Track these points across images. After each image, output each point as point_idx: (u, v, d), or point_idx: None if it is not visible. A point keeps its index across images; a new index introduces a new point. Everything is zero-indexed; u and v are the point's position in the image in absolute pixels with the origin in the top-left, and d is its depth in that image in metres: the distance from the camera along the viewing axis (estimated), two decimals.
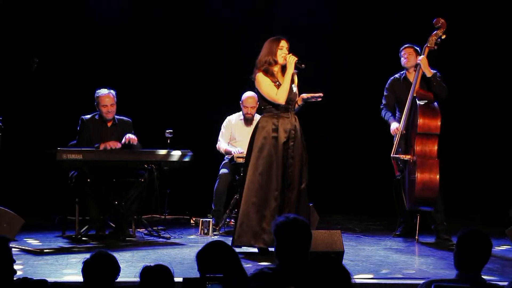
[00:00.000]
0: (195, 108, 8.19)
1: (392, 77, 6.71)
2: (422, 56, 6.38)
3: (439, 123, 6.19)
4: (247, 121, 7.24)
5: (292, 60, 5.62)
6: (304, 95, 5.77)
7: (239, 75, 7.95)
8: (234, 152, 6.97)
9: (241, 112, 7.26)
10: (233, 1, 8.19)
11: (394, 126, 6.51)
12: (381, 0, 8.26)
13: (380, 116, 6.75)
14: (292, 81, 5.70)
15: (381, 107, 6.75)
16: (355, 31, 8.29)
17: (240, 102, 7.19)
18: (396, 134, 6.44)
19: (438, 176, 6.13)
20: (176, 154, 6.45)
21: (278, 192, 5.51)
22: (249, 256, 5.49)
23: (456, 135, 7.74)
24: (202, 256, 3.12)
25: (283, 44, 5.67)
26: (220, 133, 7.31)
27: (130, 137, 6.48)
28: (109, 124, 6.64)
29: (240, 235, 5.54)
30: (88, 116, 6.63)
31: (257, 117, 7.25)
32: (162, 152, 6.43)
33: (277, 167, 5.54)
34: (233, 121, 7.30)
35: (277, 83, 5.63)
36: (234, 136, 7.26)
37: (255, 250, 5.59)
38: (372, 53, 8.23)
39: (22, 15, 7.72)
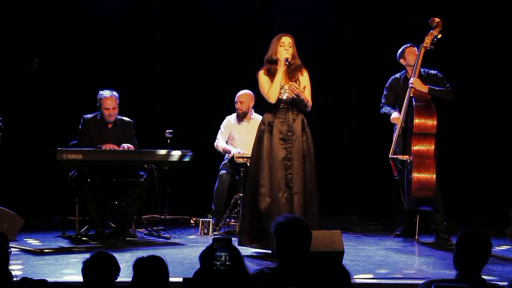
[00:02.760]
0: (195, 108, 8.19)
1: (393, 76, 6.72)
2: (413, 78, 6.33)
3: (435, 123, 6.19)
4: (238, 117, 7.27)
5: (282, 57, 5.53)
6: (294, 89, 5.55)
7: (239, 75, 7.97)
8: (233, 153, 6.96)
9: None
10: (233, 1, 8.19)
11: (395, 115, 6.51)
12: (381, 0, 8.26)
13: (379, 116, 6.75)
14: (295, 81, 5.58)
15: (380, 105, 6.75)
16: (355, 31, 8.29)
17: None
18: (394, 134, 6.44)
19: (435, 176, 6.13)
20: (176, 154, 6.45)
21: (273, 195, 5.42)
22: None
23: (456, 134, 7.75)
24: (205, 256, 3.12)
25: (284, 40, 5.58)
26: (219, 131, 7.32)
27: (129, 146, 6.49)
28: (110, 125, 6.63)
29: (241, 235, 5.63)
30: (90, 116, 6.62)
31: (255, 116, 7.28)
32: (162, 152, 6.43)
33: (273, 168, 5.47)
34: (232, 121, 7.31)
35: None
36: (233, 136, 7.27)
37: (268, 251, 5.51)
38: (371, 53, 8.23)
39: (22, 15, 7.72)
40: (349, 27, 8.27)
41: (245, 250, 5.62)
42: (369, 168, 8.18)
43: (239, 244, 5.54)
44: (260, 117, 7.23)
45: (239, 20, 8.17)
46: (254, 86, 7.32)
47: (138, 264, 3.12)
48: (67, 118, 7.41)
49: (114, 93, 6.57)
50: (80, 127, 6.59)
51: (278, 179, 5.45)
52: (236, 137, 7.26)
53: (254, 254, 5.60)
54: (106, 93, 6.54)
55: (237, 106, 7.21)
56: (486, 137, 8.08)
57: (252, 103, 7.22)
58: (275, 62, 5.59)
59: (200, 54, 8.25)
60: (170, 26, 8.22)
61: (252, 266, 4.82)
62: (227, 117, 7.35)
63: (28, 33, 7.67)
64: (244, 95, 7.21)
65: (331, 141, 8.24)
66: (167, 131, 6.90)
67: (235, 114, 7.31)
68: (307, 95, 5.61)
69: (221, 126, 7.33)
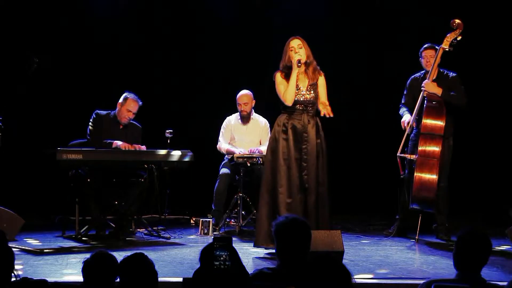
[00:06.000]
0: (195, 108, 8.19)
1: (412, 76, 6.68)
2: (426, 80, 6.33)
3: (443, 125, 6.18)
4: (243, 119, 7.27)
5: (294, 60, 5.58)
6: (320, 106, 5.62)
7: (239, 75, 7.98)
8: (236, 153, 6.96)
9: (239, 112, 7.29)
10: (234, 1, 8.19)
11: (404, 118, 6.50)
12: (381, 0, 8.25)
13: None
14: (313, 83, 5.64)
15: (400, 106, 6.74)
16: (355, 31, 8.29)
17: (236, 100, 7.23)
18: (404, 133, 6.43)
19: (436, 177, 6.12)
20: (176, 154, 6.45)
21: (292, 196, 5.44)
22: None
23: (456, 135, 7.74)
24: (206, 253, 3.12)
25: (292, 44, 5.63)
26: (220, 133, 7.32)
27: (141, 147, 6.50)
28: (121, 126, 6.66)
29: (258, 236, 5.58)
30: (104, 112, 6.64)
31: (255, 116, 7.28)
32: (162, 152, 6.44)
33: (290, 169, 5.50)
34: (232, 121, 7.31)
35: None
36: (233, 136, 7.27)
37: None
38: (372, 53, 8.22)
39: (22, 15, 7.71)
40: (349, 26, 8.26)
41: (245, 250, 5.62)
42: (369, 168, 8.19)
43: (255, 245, 5.56)
44: (260, 117, 7.28)
45: (239, 20, 8.16)
46: (253, 86, 7.36)
47: (123, 265, 3.13)
48: (67, 118, 7.41)
49: (139, 101, 6.63)
50: (91, 121, 6.58)
51: (294, 180, 5.48)
52: (236, 137, 7.26)
53: (251, 256, 5.60)
54: (134, 96, 6.62)
55: (241, 108, 7.19)
56: (486, 137, 8.08)
57: (254, 103, 7.23)
58: (290, 67, 5.61)
59: (200, 54, 8.25)
60: (170, 25, 8.21)
61: (252, 266, 4.82)
62: (227, 118, 7.35)
63: (28, 33, 7.66)
64: (246, 96, 7.17)
65: (330, 141, 8.23)
66: (167, 131, 6.90)
67: (236, 114, 7.31)
68: (324, 100, 5.65)
69: (222, 128, 7.32)
